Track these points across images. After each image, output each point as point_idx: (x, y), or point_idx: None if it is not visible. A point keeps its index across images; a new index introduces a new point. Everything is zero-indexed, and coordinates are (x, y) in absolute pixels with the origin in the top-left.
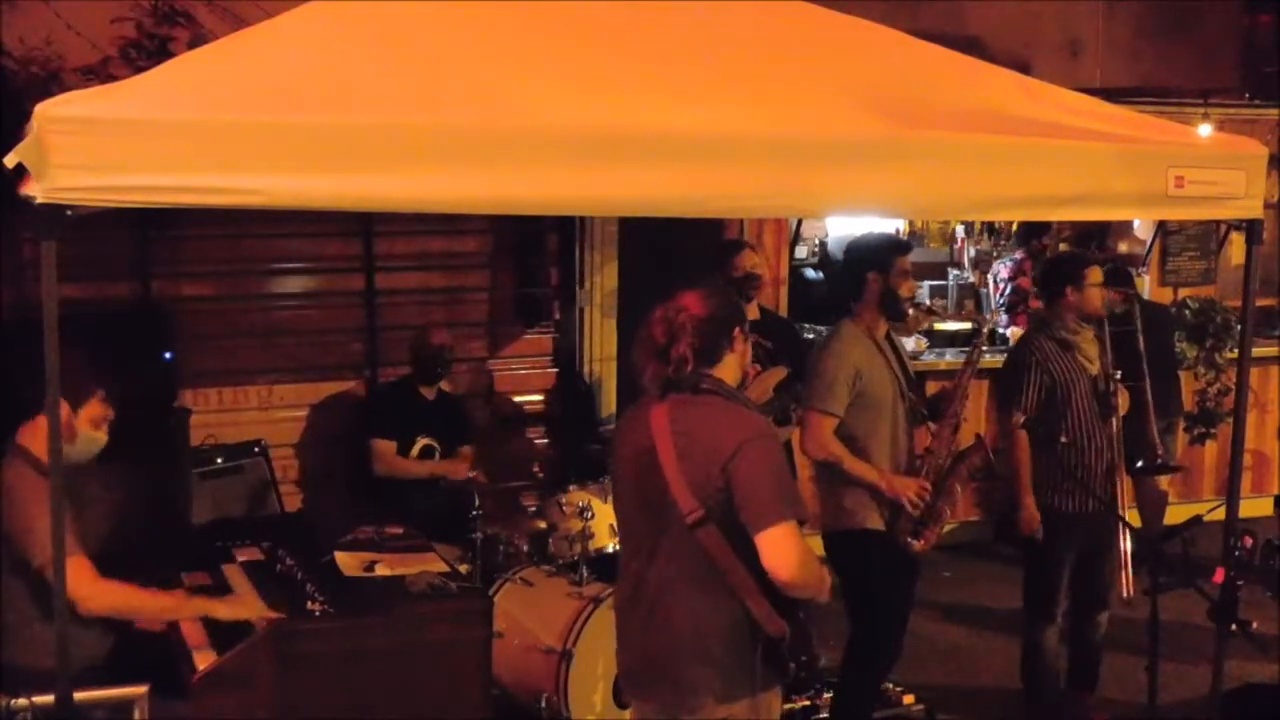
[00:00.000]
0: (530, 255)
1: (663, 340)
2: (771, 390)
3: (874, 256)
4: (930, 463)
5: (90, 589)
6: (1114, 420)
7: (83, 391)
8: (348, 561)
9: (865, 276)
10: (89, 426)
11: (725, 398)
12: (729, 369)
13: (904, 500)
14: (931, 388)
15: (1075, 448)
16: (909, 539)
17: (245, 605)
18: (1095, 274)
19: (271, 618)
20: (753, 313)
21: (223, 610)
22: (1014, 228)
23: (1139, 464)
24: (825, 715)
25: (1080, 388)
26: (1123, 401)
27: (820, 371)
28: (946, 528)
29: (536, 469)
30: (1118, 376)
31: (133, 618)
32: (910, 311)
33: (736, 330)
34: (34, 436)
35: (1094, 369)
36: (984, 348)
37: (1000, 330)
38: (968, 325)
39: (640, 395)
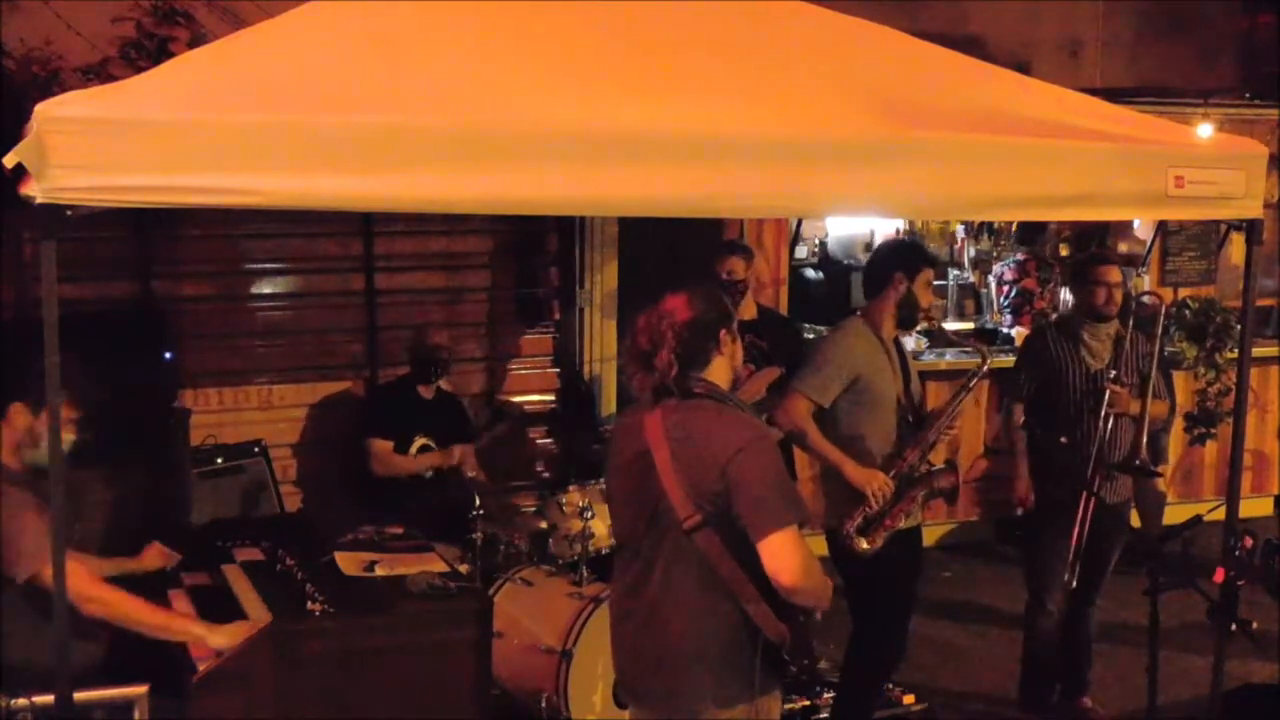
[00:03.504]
0: (530, 255)
1: (647, 347)
2: (765, 390)
3: (903, 259)
4: (900, 467)
5: (91, 590)
6: (1102, 415)
7: (43, 394)
8: (348, 561)
9: (891, 276)
10: None
11: (718, 401)
12: (719, 371)
13: (866, 491)
14: (931, 389)
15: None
16: (856, 536)
17: (238, 633)
18: (1111, 272)
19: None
20: (750, 312)
21: (219, 639)
22: (1013, 228)
23: (1115, 462)
24: (825, 716)
25: (1072, 380)
26: (1125, 399)
27: (816, 357)
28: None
29: (539, 469)
30: (1110, 375)
31: (128, 624)
32: (922, 322)
33: (723, 333)
34: (4, 443)
35: (1095, 365)
36: (981, 375)
37: (1005, 331)
38: (969, 325)
39: (634, 400)
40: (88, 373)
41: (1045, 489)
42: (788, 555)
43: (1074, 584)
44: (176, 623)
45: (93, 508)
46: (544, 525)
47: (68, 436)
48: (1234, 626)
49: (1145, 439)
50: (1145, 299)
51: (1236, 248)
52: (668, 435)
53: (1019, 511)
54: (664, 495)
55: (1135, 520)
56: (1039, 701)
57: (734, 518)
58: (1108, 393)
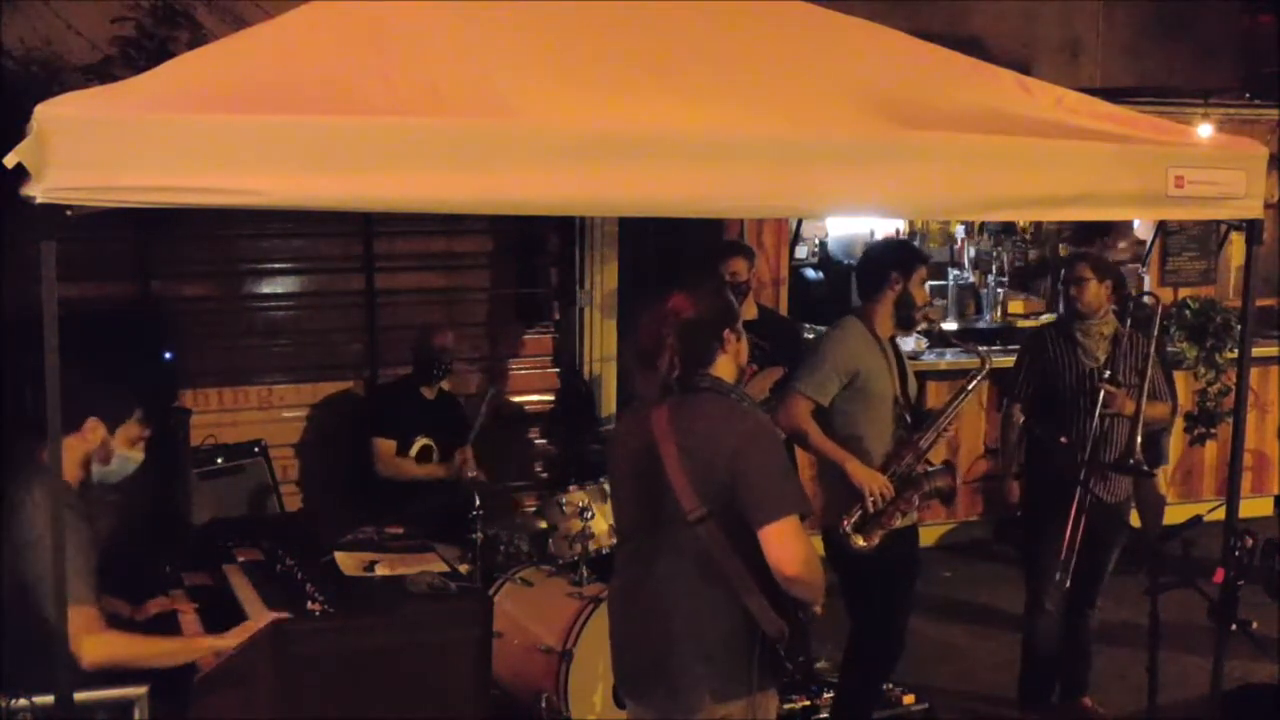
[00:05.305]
0: (530, 255)
1: (650, 346)
2: (768, 390)
3: (899, 258)
4: (897, 466)
5: (94, 640)
6: (1096, 415)
7: (123, 410)
8: (348, 561)
9: (888, 275)
10: (125, 446)
11: (723, 395)
12: (724, 368)
13: (866, 490)
14: (931, 389)
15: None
16: (852, 534)
17: (246, 634)
18: (1080, 269)
19: (272, 619)
20: (751, 312)
21: (231, 641)
22: (1023, 227)
23: (1108, 462)
24: (825, 716)
25: (1068, 380)
26: (1121, 400)
27: (814, 356)
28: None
29: (539, 469)
30: (1105, 375)
31: (136, 666)
32: (920, 322)
33: (726, 331)
34: (68, 457)
35: (1091, 365)
36: (981, 378)
37: None
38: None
39: (636, 398)
40: (119, 372)
41: (1044, 489)
42: (789, 545)
43: (1068, 583)
44: (185, 645)
45: (97, 509)
46: (544, 525)
47: (135, 455)
48: (1234, 626)
49: (1140, 439)
50: (1144, 299)
51: (1236, 248)
52: (674, 429)
53: (1017, 513)
54: (669, 488)
55: (1135, 520)
56: (1038, 701)
57: (737, 510)
58: (1102, 393)
